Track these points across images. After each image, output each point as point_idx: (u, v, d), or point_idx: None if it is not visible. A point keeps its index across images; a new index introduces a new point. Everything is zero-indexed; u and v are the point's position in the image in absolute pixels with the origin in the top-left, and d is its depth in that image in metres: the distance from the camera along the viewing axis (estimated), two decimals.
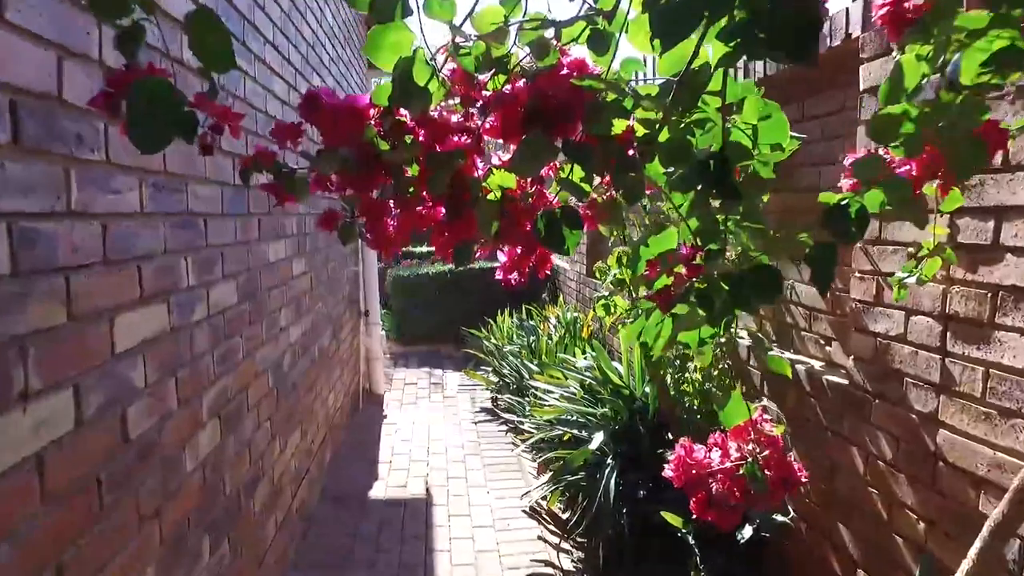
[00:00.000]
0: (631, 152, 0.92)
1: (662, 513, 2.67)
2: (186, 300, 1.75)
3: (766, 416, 1.17)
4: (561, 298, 7.03)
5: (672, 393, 3.28)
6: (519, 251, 1.10)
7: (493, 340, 6.24)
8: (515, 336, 6.10)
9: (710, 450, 1.16)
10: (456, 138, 0.96)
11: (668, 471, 1.19)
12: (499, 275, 1.14)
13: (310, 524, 3.33)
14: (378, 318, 5.68)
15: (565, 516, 3.51)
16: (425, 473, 4.11)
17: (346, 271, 4.87)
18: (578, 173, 0.96)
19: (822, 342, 2.70)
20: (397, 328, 7.71)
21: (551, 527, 3.46)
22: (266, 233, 2.61)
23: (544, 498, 3.59)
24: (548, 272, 1.11)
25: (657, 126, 0.90)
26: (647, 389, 3.56)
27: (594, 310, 3.33)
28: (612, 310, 3.29)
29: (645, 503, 3.02)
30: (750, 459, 1.08)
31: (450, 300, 7.52)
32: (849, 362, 2.29)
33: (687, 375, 2.96)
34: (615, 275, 3.12)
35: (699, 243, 0.98)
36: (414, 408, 5.51)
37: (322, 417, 3.80)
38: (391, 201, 1.02)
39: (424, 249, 11.17)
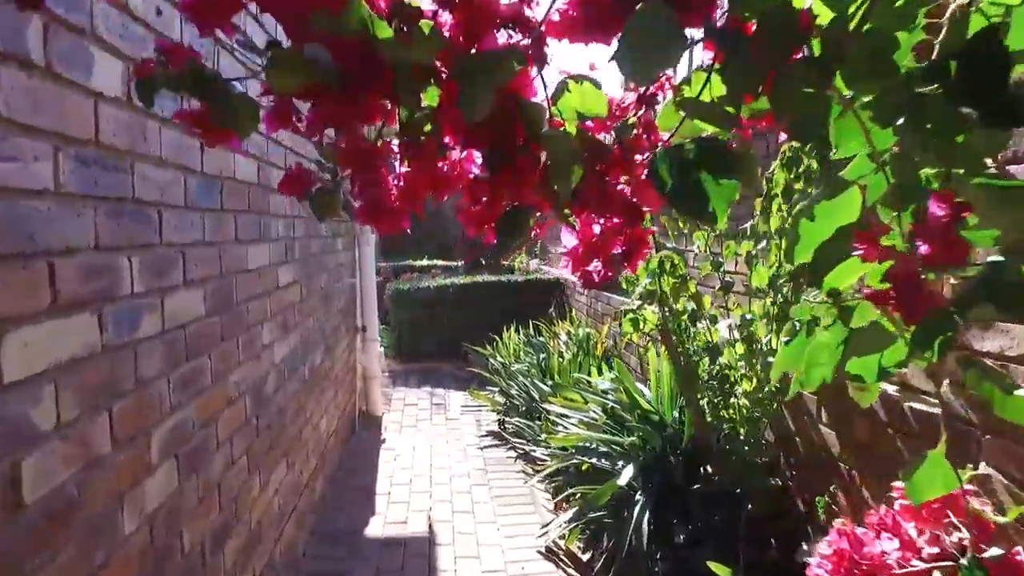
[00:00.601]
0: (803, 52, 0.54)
1: (708, 564, 2.27)
2: (128, 311, 1.37)
3: (970, 487, 0.79)
4: (572, 313, 6.63)
5: (709, 419, 2.89)
6: (608, 223, 0.71)
7: (499, 358, 5.84)
8: (522, 354, 5.71)
9: (878, 535, 0.77)
10: (504, 34, 0.58)
11: (818, 569, 0.80)
12: (567, 268, 0.76)
13: (297, 572, 2.92)
14: (376, 334, 5.29)
15: (586, 558, 3.10)
16: (427, 507, 3.70)
17: (342, 282, 4.49)
18: (717, 88, 0.56)
19: None
20: (396, 345, 7.31)
21: (572, 571, 3.04)
22: (245, 233, 2.22)
23: (562, 537, 3.18)
24: (639, 259, 0.73)
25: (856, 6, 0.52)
26: (677, 414, 3.17)
27: (619, 325, 2.94)
28: (641, 325, 2.90)
29: (683, 548, 2.62)
30: (962, 558, 0.70)
31: (453, 315, 7.13)
32: (944, 387, 1.91)
33: (731, 399, 2.56)
34: (646, 285, 2.74)
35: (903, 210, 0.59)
36: (415, 431, 5.10)
37: (313, 445, 3.39)
38: (395, 144, 0.64)
39: (425, 262, 10.79)
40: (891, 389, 2.24)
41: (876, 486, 2.21)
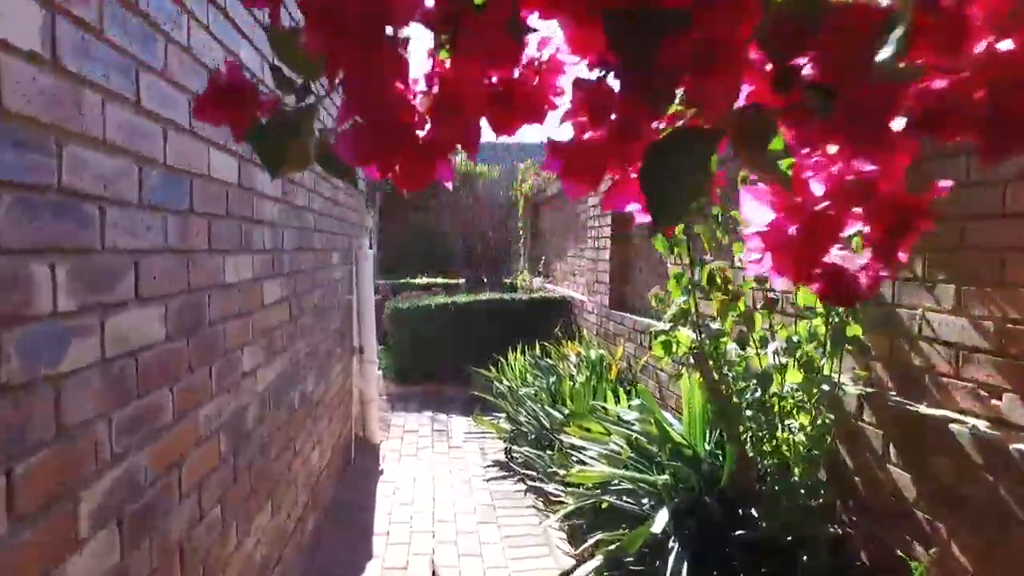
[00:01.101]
0: None
1: None
2: (47, 335, 1.04)
3: None
4: (584, 334, 6.28)
5: (751, 454, 2.55)
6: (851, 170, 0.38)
7: (505, 381, 5.50)
8: (530, 376, 5.36)
9: None
10: None
11: None
12: (762, 266, 0.43)
13: None
14: (374, 355, 4.95)
15: None
16: (430, 549, 3.34)
17: (337, 300, 4.16)
18: None
19: (984, 393, 1.98)
20: (396, 366, 6.96)
21: None
22: (222, 242, 1.90)
23: None
24: (913, 240, 0.39)
25: None
26: (709, 446, 2.83)
27: (649, 347, 2.61)
28: (674, 348, 2.57)
29: None
30: None
31: (455, 335, 6.79)
32: None
33: (783, 434, 2.23)
34: (680, 304, 2.42)
35: None
36: (415, 461, 4.74)
37: (303, 481, 3.04)
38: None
39: (424, 280, 10.47)
40: (982, 425, 1.91)
41: (972, 543, 1.86)
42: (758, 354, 2.23)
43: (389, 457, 4.81)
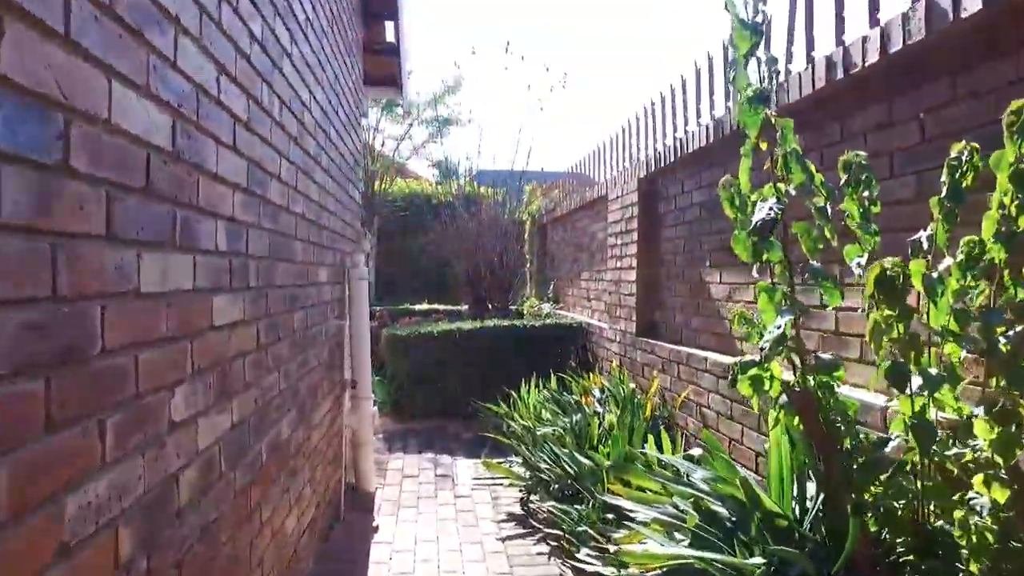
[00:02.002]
0: None
1: None
2: None
3: None
4: (604, 363, 5.60)
5: (874, 529, 1.88)
6: None
7: (519, 418, 4.81)
8: (547, 413, 4.69)
9: None
10: None
11: None
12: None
13: None
14: (369, 390, 4.28)
15: None
16: None
17: (326, 326, 3.51)
18: None
19: None
20: (393, 400, 6.26)
21: None
22: (132, 229, 1.26)
23: None
24: None
25: None
26: (801, 513, 2.15)
27: (732, 383, 1.96)
28: (767, 387, 1.92)
29: None
30: None
31: (459, 365, 6.11)
32: None
33: (960, 512, 1.55)
34: (779, 329, 1.77)
35: None
36: (415, 514, 4.03)
37: (273, 560, 2.35)
38: None
39: (425, 306, 9.81)
40: None
41: None
42: (919, 398, 1.57)
43: (385, 509, 4.11)
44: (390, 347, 6.18)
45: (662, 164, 4.53)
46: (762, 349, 1.81)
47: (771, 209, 1.75)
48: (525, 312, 9.22)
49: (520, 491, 4.24)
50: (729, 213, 2.03)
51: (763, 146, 1.90)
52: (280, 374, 2.45)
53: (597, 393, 4.69)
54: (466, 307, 9.52)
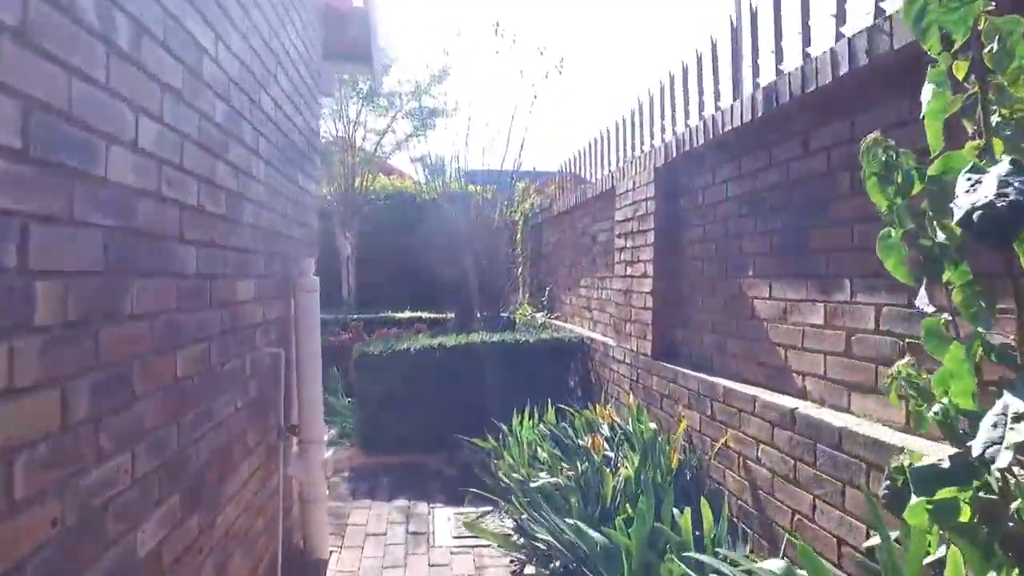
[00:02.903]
0: None
1: None
2: None
3: None
4: (620, 390, 4.72)
5: None
6: None
7: (509, 458, 3.95)
8: (543, 451, 3.83)
9: None
10: None
11: None
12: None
13: None
14: (321, 431, 3.38)
15: None
16: None
17: (253, 356, 2.62)
18: None
19: None
20: (362, 430, 5.37)
21: None
22: None
23: None
24: None
25: None
26: None
27: (894, 505, 1.10)
28: (963, 515, 1.06)
29: None
30: None
31: (440, 389, 5.23)
32: None
33: None
34: (1005, 413, 0.91)
35: None
36: None
37: None
38: None
39: (407, 314, 8.91)
40: None
41: None
42: None
43: None
44: (359, 367, 5.29)
45: (686, 148, 3.67)
46: (980, 453, 0.94)
47: (1009, 183, 0.88)
48: (517, 321, 8.35)
49: (512, 562, 3.37)
50: (878, 200, 1.16)
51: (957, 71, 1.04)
52: (132, 455, 1.56)
53: (606, 430, 3.82)
54: (452, 316, 8.64)
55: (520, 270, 9.30)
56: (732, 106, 3.13)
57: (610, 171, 5.36)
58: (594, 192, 5.68)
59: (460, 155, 8.86)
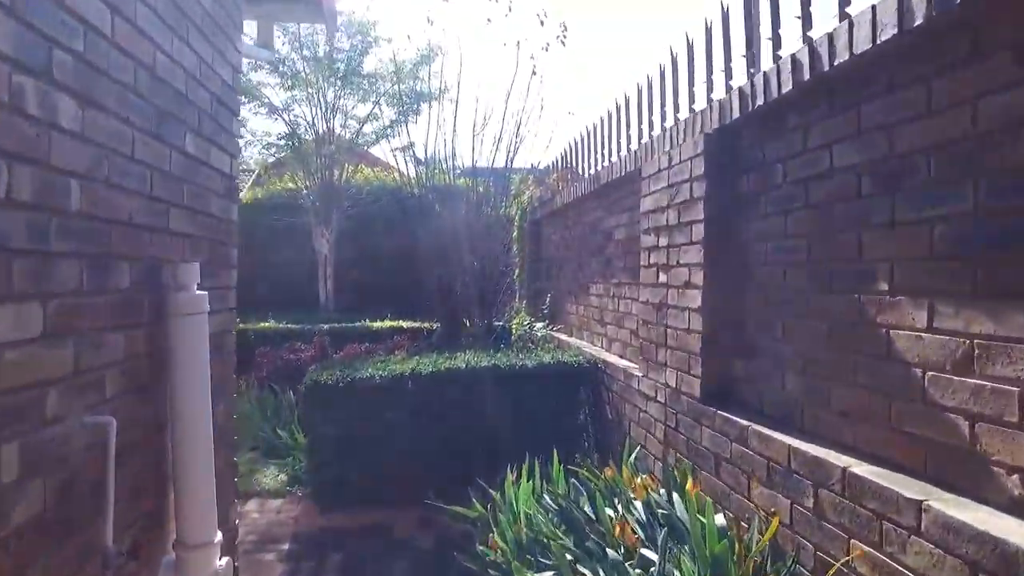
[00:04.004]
0: None
1: None
2: None
3: None
4: (649, 437, 3.51)
5: None
6: None
7: (501, 545, 2.81)
8: (545, 525, 2.68)
9: None
10: None
11: None
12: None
13: None
14: (212, 531, 2.20)
15: None
16: None
17: (46, 434, 1.46)
18: None
19: None
20: (316, 481, 4.21)
21: None
22: None
23: None
24: None
25: None
26: None
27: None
28: None
29: None
30: None
31: (416, 430, 4.07)
32: None
33: None
34: None
35: None
36: None
37: None
38: None
39: (387, 323, 7.74)
40: None
41: None
42: None
43: None
44: (310, 401, 4.12)
45: (759, 101, 2.52)
46: None
47: None
48: (513, 332, 7.19)
49: None
50: None
51: None
52: None
53: (640, 510, 2.66)
54: (438, 325, 7.45)
55: (516, 273, 8.13)
56: (851, 22, 1.98)
57: (632, 149, 4.20)
58: (609, 178, 4.52)
59: (448, 142, 7.68)
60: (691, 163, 3.06)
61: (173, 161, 2.21)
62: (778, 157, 2.54)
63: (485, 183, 7.59)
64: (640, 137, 4.12)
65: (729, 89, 2.88)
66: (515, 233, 8.10)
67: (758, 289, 2.69)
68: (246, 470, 4.84)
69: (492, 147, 6.77)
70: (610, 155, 4.78)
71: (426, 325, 7.57)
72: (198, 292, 2.16)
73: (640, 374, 3.71)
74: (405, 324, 7.64)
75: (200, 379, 2.14)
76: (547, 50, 7.03)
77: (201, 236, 2.52)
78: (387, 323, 7.70)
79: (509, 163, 6.86)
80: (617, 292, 4.54)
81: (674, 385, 3.19)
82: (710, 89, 3.15)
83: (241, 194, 11.62)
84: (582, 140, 5.54)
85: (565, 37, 7.00)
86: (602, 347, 4.89)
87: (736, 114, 2.71)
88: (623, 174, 4.22)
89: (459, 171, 7.65)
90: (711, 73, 3.16)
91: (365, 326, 7.52)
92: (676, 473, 2.89)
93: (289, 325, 7.35)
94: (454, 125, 6.81)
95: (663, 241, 3.36)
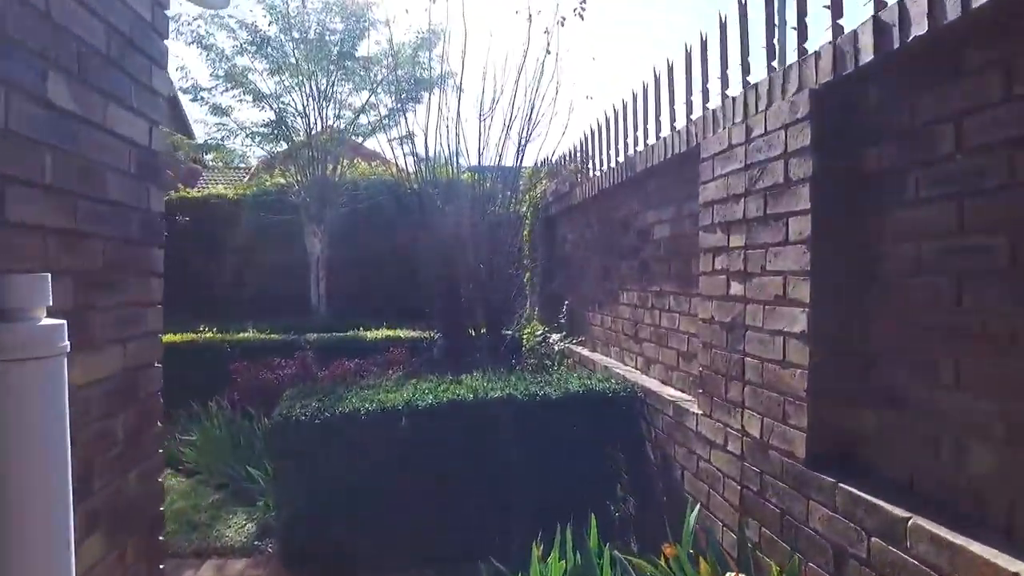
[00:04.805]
0: None
1: None
2: None
3: None
4: (713, 497, 2.63)
5: None
6: None
7: None
8: None
9: None
10: None
11: None
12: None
13: None
14: None
15: None
16: None
17: None
18: None
19: None
20: (285, 541, 3.37)
21: None
22: None
23: None
24: None
25: None
26: None
27: None
28: None
29: None
30: None
31: (410, 481, 3.23)
32: None
33: None
34: None
35: None
36: None
37: None
38: None
39: (381, 332, 6.90)
40: None
41: None
42: None
43: None
44: (278, 441, 3.29)
45: (916, 33, 1.68)
46: None
47: None
48: (525, 343, 6.36)
49: None
50: None
51: None
52: None
53: None
54: (439, 336, 6.60)
55: (527, 276, 7.30)
56: None
57: (677, 129, 3.36)
58: (648, 162, 3.69)
59: (451, 129, 6.84)
60: (784, 133, 2.22)
61: (12, 110, 1.39)
62: (945, 114, 1.71)
63: (492, 178, 6.73)
64: (690, 111, 3.29)
65: (838, 32, 2.05)
66: (525, 232, 7.27)
67: (902, 310, 1.85)
68: (209, 517, 4.02)
69: (501, 133, 5.92)
70: (645, 137, 3.95)
71: (426, 335, 6.72)
72: (46, 322, 1.33)
73: (698, 411, 2.87)
74: (403, 334, 6.80)
75: (46, 463, 1.31)
76: (563, 25, 6.11)
77: (88, 232, 1.70)
78: (382, 333, 6.87)
79: (520, 151, 6.02)
80: (658, 303, 3.71)
81: (757, 435, 2.35)
82: (802, 38, 2.32)
83: (227, 189, 10.79)
84: (608, 122, 4.70)
85: (584, 10, 6.16)
86: (635, 367, 4.06)
87: (867, 57, 1.87)
88: (668, 156, 3.39)
89: (464, 167, 6.79)
90: (804, 16, 2.33)
91: (357, 337, 6.68)
92: (771, 564, 2.05)
93: (272, 335, 6.52)
94: (458, 111, 5.98)
95: (737, 240, 2.53)
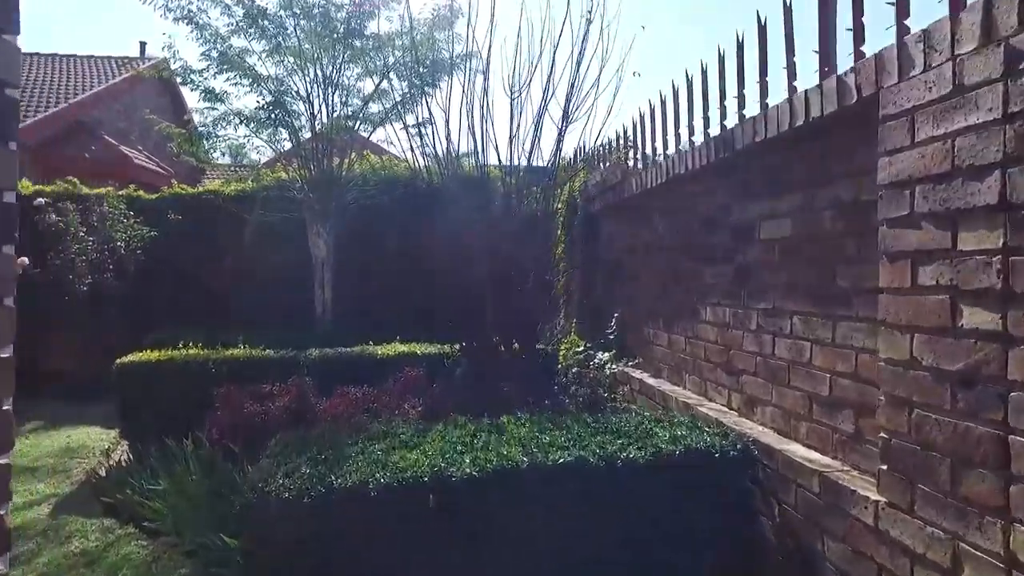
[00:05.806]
0: None
1: None
2: None
3: None
4: None
5: None
6: None
7: None
8: None
9: None
10: None
11: None
12: None
13: None
14: None
15: None
16: None
17: None
18: None
19: None
20: None
21: None
22: None
23: None
24: None
25: None
26: None
27: None
28: None
29: None
30: None
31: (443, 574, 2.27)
32: None
33: None
34: None
35: None
36: None
37: None
38: None
39: (394, 348, 5.94)
40: None
41: None
42: None
43: None
44: (249, 534, 2.33)
45: None
46: None
47: None
48: (562, 361, 5.39)
49: None
50: None
51: None
52: None
53: None
54: (460, 350, 5.60)
55: (563, 283, 6.33)
56: None
57: (851, 68, 2.38)
58: (764, 133, 2.70)
59: (478, 114, 5.84)
60: None
61: None
62: None
63: (520, 173, 5.72)
64: (860, 42, 2.31)
65: None
66: (560, 231, 6.30)
67: None
68: None
69: (538, 110, 4.93)
70: (741, 107, 2.96)
71: (446, 349, 5.75)
72: None
73: (878, 497, 1.90)
74: (419, 349, 5.83)
75: None
76: None
77: None
78: (395, 348, 5.90)
79: (560, 135, 5.03)
80: (768, 324, 2.73)
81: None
82: None
83: (223, 185, 9.89)
84: (676, 93, 3.71)
85: None
86: (727, 406, 3.08)
87: None
88: (798, 124, 2.41)
89: (490, 158, 5.79)
90: None
91: (366, 353, 5.72)
92: None
93: (267, 352, 5.57)
94: (485, 87, 4.99)
95: (979, 239, 1.55)
